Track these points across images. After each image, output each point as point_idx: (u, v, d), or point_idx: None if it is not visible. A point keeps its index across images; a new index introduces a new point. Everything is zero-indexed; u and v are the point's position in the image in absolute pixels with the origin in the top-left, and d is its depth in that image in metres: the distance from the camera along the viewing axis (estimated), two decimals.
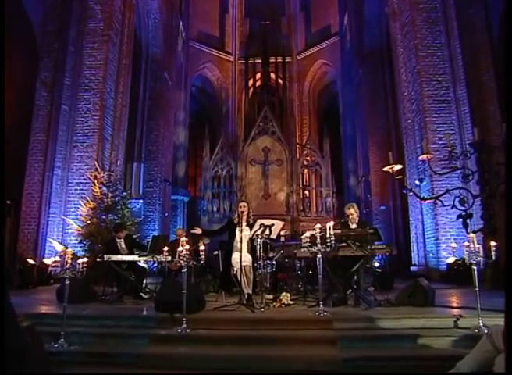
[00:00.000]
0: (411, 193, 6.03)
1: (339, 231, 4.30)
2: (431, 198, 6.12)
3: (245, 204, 4.72)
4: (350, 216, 4.58)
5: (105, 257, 4.81)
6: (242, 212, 4.59)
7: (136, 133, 12.23)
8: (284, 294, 4.45)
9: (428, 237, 8.03)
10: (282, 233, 4.66)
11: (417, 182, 7.81)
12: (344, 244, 4.27)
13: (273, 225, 4.41)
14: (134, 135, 12.15)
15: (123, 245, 5.38)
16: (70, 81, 8.26)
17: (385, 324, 3.42)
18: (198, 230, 4.73)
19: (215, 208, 14.03)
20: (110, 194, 7.77)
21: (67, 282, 3.36)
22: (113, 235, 5.48)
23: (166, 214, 12.98)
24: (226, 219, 5.49)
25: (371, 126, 12.34)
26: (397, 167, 4.78)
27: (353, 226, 4.60)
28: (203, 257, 3.88)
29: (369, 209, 12.16)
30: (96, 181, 7.69)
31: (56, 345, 3.15)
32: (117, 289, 5.06)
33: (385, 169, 4.88)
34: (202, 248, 3.92)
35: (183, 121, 16.07)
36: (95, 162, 7.83)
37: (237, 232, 4.58)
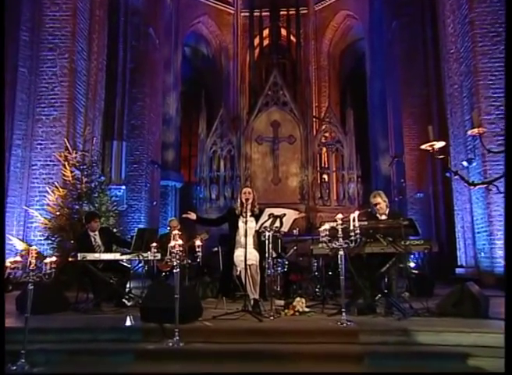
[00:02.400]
0: (457, 176, 5.89)
1: (366, 223, 4.26)
2: (483, 183, 5.96)
3: (250, 190, 4.71)
4: (378, 206, 4.56)
5: (79, 256, 4.80)
6: (246, 199, 4.57)
7: (116, 104, 12.14)
8: (298, 299, 4.45)
9: (479, 232, 7.87)
10: (296, 217, 4.59)
11: (464, 163, 7.66)
12: (372, 238, 4.25)
13: (284, 215, 4.39)
14: (114, 107, 12.07)
15: (98, 241, 5.37)
16: (28, 37, 8.12)
17: (425, 339, 3.38)
18: (192, 215, 4.72)
19: (213, 196, 14.05)
20: (84, 179, 7.72)
21: (30, 287, 3.30)
22: (86, 227, 5.48)
23: (154, 203, 13.01)
24: (227, 209, 5.45)
25: (407, 94, 12.10)
26: (439, 145, 4.66)
27: (383, 217, 4.56)
28: (199, 255, 3.85)
29: (403, 197, 12.06)
30: (67, 163, 7.64)
31: (15, 367, 3.05)
32: (94, 295, 5.05)
33: (423, 147, 4.78)
34: (199, 243, 3.88)
35: (174, 89, 15.95)
36: (65, 140, 7.76)
37: (240, 224, 4.57)
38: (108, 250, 5.32)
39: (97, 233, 5.42)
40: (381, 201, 4.54)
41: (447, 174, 9.36)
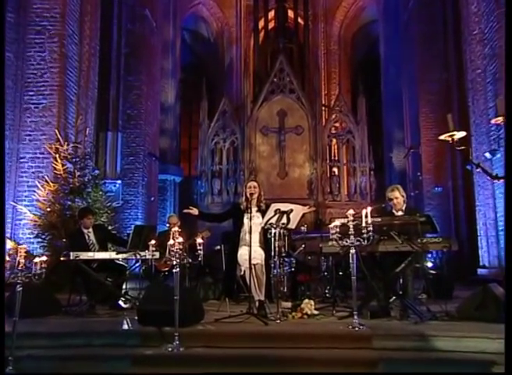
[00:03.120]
0: (479, 169, 5.82)
1: (379, 219, 4.25)
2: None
3: (255, 184, 4.72)
4: (395, 201, 4.54)
5: (72, 255, 4.81)
6: (251, 194, 4.58)
7: (110, 92, 12.12)
8: (306, 301, 4.44)
9: (503, 230, 7.83)
10: (305, 212, 4.60)
11: (487, 155, 7.58)
12: (386, 236, 4.24)
13: (291, 211, 4.39)
14: (108, 95, 12.05)
15: (92, 238, 5.38)
16: (14, 18, 8.05)
17: (444, 345, 3.36)
18: (194, 211, 4.72)
19: (215, 191, 14.08)
20: (77, 173, 7.71)
21: (19, 289, 3.30)
22: (79, 224, 5.47)
23: (152, 198, 13.04)
24: (231, 204, 5.44)
25: (424, 80, 12.00)
26: (459, 135, 4.61)
27: (399, 213, 4.54)
28: (201, 253, 3.84)
29: (419, 192, 11.99)
30: (58, 156, 7.61)
31: None
32: (87, 297, 5.05)
33: (442, 137, 4.73)
34: (200, 241, 3.87)
35: (173, 76, 15.92)
36: (56, 131, 7.73)
37: (245, 220, 4.56)
38: (102, 248, 5.33)
39: (91, 230, 5.43)
40: (399, 196, 4.53)
41: (468, 167, 9.30)
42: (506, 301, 1.83)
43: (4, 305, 3.69)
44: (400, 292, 4.33)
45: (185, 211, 4.79)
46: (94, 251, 5.21)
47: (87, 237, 5.37)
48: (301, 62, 15.64)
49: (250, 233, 4.30)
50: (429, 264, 6.49)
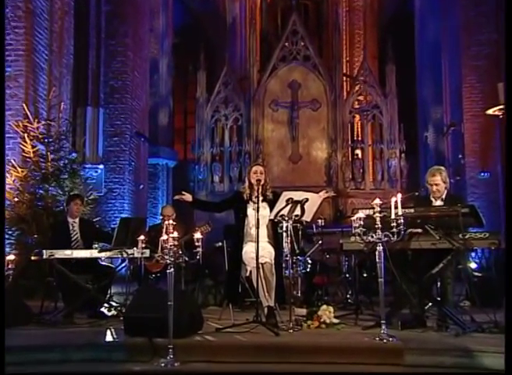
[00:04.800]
0: None
1: (412, 210, 4.23)
2: None
3: (262, 168, 4.71)
4: (435, 188, 4.52)
5: (45, 253, 4.82)
6: (258, 180, 4.55)
7: (89, 59, 12.09)
8: (325, 307, 4.45)
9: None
10: (324, 196, 4.59)
11: None
12: (420, 230, 4.23)
13: (307, 201, 4.38)
14: (87, 63, 12.02)
15: (77, 231, 5.43)
16: None
17: (492, 362, 3.32)
18: (187, 197, 4.73)
19: (216, 178, 14.10)
20: (51, 156, 7.70)
21: None
22: (65, 211, 5.50)
23: (141, 186, 13.07)
24: (233, 193, 5.45)
25: (469, 42, 11.81)
26: None
27: (438, 202, 4.52)
28: (199, 251, 3.83)
29: (461, 178, 11.88)
30: (26, 135, 7.61)
31: None
32: (64, 303, 5.10)
33: (490, 111, 4.64)
34: (198, 236, 3.86)
35: (165, 40, 15.86)
36: (23, 105, 7.73)
37: (250, 211, 4.58)
38: (86, 245, 5.36)
39: (76, 221, 5.47)
40: (440, 182, 4.51)
41: None
42: (506, 302, 1.79)
43: (4, 304, 3.75)
44: (438, 298, 4.32)
45: (176, 197, 4.80)
46: (76, 247, 5.25)
47: (71, 227, 5.42)
48: (318, 23, 15.50)
49: (257, 227, 4.28)
50: (473, 265, 6.46)
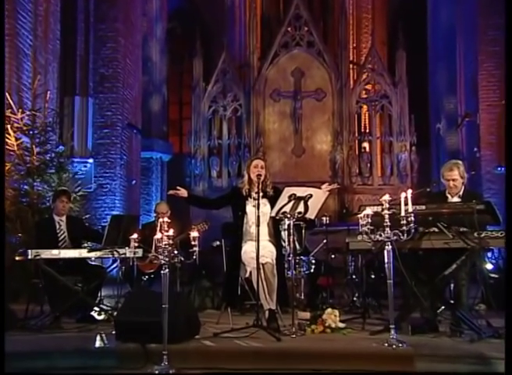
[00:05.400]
0: None
1: (424, 207, 4.22)
2: None
3: (262, 163, 4.73)
4: (452, 183, 4.52)
5: (30, 253, 4.81)
6: (258, 175, 4.56)
7: (77, 45, 12.07)
8: (330, 311, 4.45)
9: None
10: (330, 189, 4.62)
11: None
12: (432, 228, 4.22)
13: (310, 197, 4.38)
14: (74, 49, 12.00)
15: (64, 230, 5.43)
16: None
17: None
18: (182, 192, 4.75)
19: (213, 173, 14.10)
20: (36, 149, 7.70)
21: None
22: (52, 207, 5.50)
23: (134, 182, 13.09)
24: (231, 188, 5.46)
25: (486, 26, 11.75)
26: None
27: (455, 199, 4.52)
28: (196, 250, 3.83)
29: (476, 173, 11.88)
30: (10, 127, 7.60)
31: None
32: (51, 307, 5.05)
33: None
34: (195, 235, 3.86)
35: (158, 25, 15.83)
36: (6, 95, 7.69)
37: (250, 208, 4.59)
38: (75, 247, 5.33)
39: (63, 219, 5.47)
40: (457, 178, 4.50)
41: None
42: (506, 302, 1.81)
43: (4, 304, 3.72)
44: (451, 301, 4.32)
45: (170, 192, 4.82)
46: (63, 245, 5.25)
47: (57, 226, 5.41)
48: (323, 6, 15.45)
49: (258, 224, 4.29)
50: (489, 265, 6.45)
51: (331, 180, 13.22)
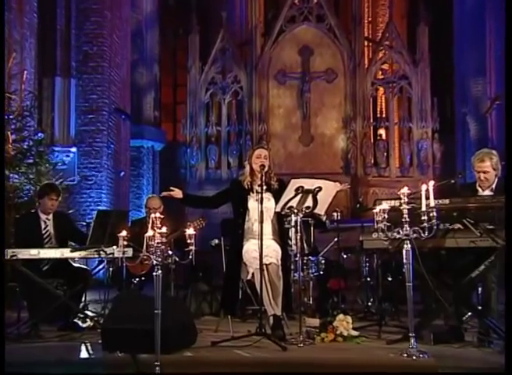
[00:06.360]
0: None
1: (447, 201, 4.21)
2: None
3: (266, 152, 4.74)
4: (483, 176, 4.51)
5: (6, 253, 4.81)
6: (261, 166, 4.56)
7: (57, 19, 12.04)
8: (341, 317, 4.46)
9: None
10: (339, 189, 4.63)
11: None
12: (459, 225, 4.22)
13: (320, 190, 4.39)
14: (54, 24, 11.97)
15: (50, 230, 5.43)
16: None
17: None
18: (177, 193, 4.76)
19: (211, 163, 14.11)
20: (12, 137, 7.66)
21: None
22: (37, 204, 5.50)
23: (122, 173, 13.11)
24: (230, 182, 5.48)
25: None
26: None
27: (486, 192, 4.51)
28: (192, 249, 3.83)
29: (506, 163, 11.87)
30: None
31: None
32: (30, 313, 5.07)
33: None
34: (191, 232, 3.86)
35: None
36: None
37: (252, 203, 4.60)
38: (62, 246, 5.33)
39: (50, 217, 5.46)
40: (490, 170, 4.48)
41: None
42: (506, 302, 1.85)
43: (4, 304, 3.80)
44: (479, 306, 4.33)
45: (163, 194, 4.86)
46: (48, 246, 5.25)
47: (43, 225, 5.40)
48: None
49: (261, 221, 4.30)
50: None
51: (343, 172, 13.29)
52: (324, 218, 5.62)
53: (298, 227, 4.37)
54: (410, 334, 3.78)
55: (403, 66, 13.96)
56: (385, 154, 13.88)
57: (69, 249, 5.21)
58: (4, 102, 7.40)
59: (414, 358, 3.61)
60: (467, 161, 12.67)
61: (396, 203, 3.97)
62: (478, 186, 4.55)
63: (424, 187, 3.83)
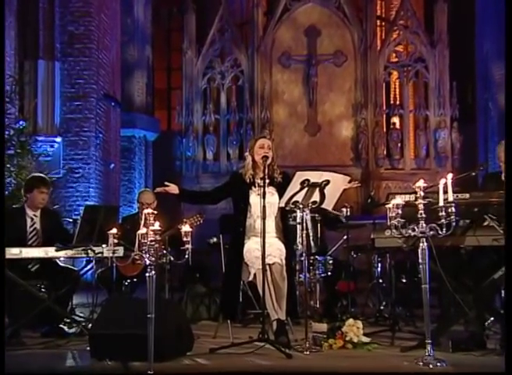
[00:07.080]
0: None
1: (468, 195, 4.22)
2: None
3: (269, 142, 4.75)
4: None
5: None
6: (264, 157, 4.57)
7: None
8: (351, 322, 4.46)
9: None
10: (347, 187, 4.62)
11: None
12: (478, 222, 4.24)
13: (327, 183, 4.38)
14: (37, 1, 11.91)
15: (37, 227, 5.44)
16: None
17: None
18: (173, 188, 4.76)
19: (209, 154, 14.11)
20: None
21: None
22: (23, 200, 5.52)
23: (112, 166, 13.13)
24: (230, 175, 5.49)
25: None
26: None
27: None
28: (188, 248, 3.84)
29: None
30: None
31: None
32: (9, 318, 5.06)
33: None
34: (187, 230, 3.87)
35: None
36: None
37: (253, 198, 4.61)
38: (48, 244, 5.33)
39: (38, 214, 5.46)
40: None
41: None
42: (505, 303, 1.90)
43: (4, 305, 3.88)
44: (501, 311, 4.33)
45: (158, 190, 4.87)
46: (34, 245, 5.26)
47: (29, 222, 5.41)
48: None
49: (263, 217, 4.29)
50: None
51: (353, 165, 13.29)
52: (341, 213, 5.64)
53: (304, 224, 4.37)
54: (427, 341, 3.78)
55: (420, 48, 13.95)
56: (399, 144, 13.89)
57: (53, 248, 5.20)
58: (4, 102, 7.43)
59: (431, 367, 3.61)
60: (490, 152, 12.72)
61: (411, 198, 3.99)
62: (504, 177, 4.54)
63: (442, 181, 3.82)
